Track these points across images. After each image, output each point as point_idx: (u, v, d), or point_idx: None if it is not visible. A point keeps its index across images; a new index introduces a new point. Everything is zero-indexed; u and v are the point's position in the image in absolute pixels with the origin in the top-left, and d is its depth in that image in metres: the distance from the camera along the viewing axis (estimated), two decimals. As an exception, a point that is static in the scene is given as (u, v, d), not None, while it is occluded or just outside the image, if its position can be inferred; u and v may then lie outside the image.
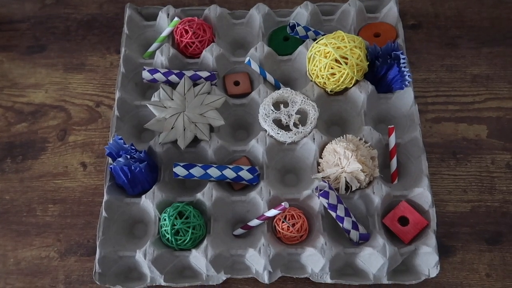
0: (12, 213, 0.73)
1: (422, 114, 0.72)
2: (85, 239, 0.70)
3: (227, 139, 0.71)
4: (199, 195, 0.65)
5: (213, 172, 0.66)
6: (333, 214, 0.61)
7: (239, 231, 0.66)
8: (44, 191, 0.74)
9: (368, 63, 0.68)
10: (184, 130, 0.67)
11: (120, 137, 0.64)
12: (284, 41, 0.77)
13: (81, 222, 0.72)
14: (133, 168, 0.62)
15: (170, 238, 0.61)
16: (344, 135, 0.67)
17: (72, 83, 0.83)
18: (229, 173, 0.66)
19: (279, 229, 0.63)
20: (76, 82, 0.83)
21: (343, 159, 0.62)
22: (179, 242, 0.62)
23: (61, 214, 0.72)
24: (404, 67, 0.67)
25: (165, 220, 0.62)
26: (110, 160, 0.67)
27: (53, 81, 0.83)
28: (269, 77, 0.73)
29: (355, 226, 0.62)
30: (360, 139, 0.66)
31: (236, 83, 0.75)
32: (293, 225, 0.63)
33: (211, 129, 0.69)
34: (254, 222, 0.64)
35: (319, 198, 0.61)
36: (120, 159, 0.64)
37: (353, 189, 0.63)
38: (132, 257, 0.63)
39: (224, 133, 0.71)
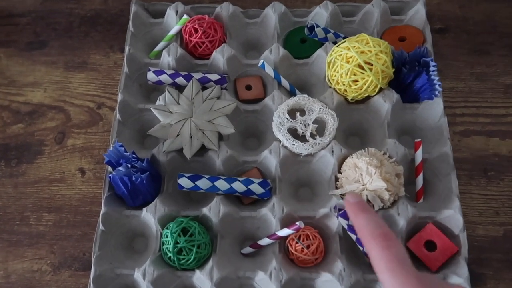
0: (3, 221, 0.68)
1: (449, 127, 0.66)
2: (80, 252, 0.65)
3: (237, 148, 0.65)
4: (205, 210, 0.59)
5: (221, 184, 0.60)
6: (353, 236, 0.56)
7: (248, 249, 0.60)
8: (38, 198, 0.69)
9: (394, 69, 0.62)
10: (191, 137, 0.61)
11: (120, 144, 0.59)
12: (301, 43, 0.71)
13: (77, 234, 0.66)
14: (133, 178, 0.57)
15: (172, 257, 0.56)
16: (366, 149, 0.61)
17: (73, 83, 0.77)
18: (238, 186, 0.60)
19: (292, 251, 0.57)
20: (77, 81, 0.77)
21: (365, 176, 0.57)
22: (182, 261, 0.56)
23: (56, 224, 0.67)
24: (434, 75, 0.61)
25: (167, 237, 0.56)
26: (109, 168, 0.62)
27: (53, 80, 0.78)
28: (284, 82, 0.67)
29: (376, 250, 0.56)
30: (384, 153, 0.60)
31: (248, 88, 0.69)
32: (308, 246, 0.57)
33: (220, 137, 0.63)
34: (265, 241, 0.58)
35: (337, 218, 0.55)
36: (120, 168, 0.59)
37: (376, 209, 0.57)
38: (130, 275, 0.58)
39: (234, 141, 0.66)
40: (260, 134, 0.68)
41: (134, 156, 0.59)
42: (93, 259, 0.58)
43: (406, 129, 0.67)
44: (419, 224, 0.59)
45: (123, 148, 0.59)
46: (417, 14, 0.71)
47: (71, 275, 0.64)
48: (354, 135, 0.68)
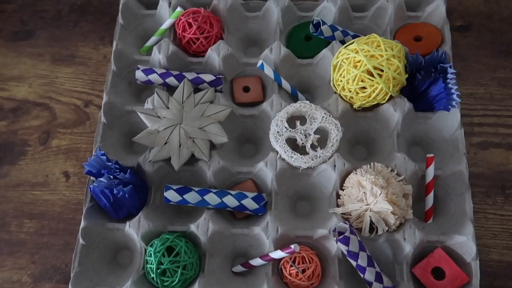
0: (-17, 226, 0.64)
1: (466, 137, 0.59)
2: (62, 263, 0.61)
3: (230, 157, 0.60)
4: (193, 227, 0.54)
5: (212, 199, 0.55)
6: (353, 263, 0.50)
7: (239, 268, 0.56)
8: (20, 203, 0.65)
9: (407, 75, 0.56)
10: (180, 146, 0.56)
11: (102, 152, 0.54)
12: (306, 40, 0.65)
13: (60, 243, 0.62)
14: (115, 192, 0.52)
15: (155, 278, 0.52)
16: (372, 164, 0.55)
17: (60, 77, 0.72)
18: (230, 201, 0.55)
19: (286, 274, 0.53)
20: (64, 76, 0.72)
21: (369, 196, 0.51)
22: (166, 283, 0.52)
23: (37, 232, 0.63)
24: (452, 83, 0.54)
25: (150, 256, 0.52)
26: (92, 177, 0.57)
27: (39, 74, 0.73)
28: (285, 84, 0.61)
29: (378, 278, 0.51)
30: (392, 170, 0.55)
31: (246, 89, 0.63)
32: (304, 271, 0.52)
33: (212, 146, 0.58)
34: (257, 262, 0.54)
35: (337, 243, 0.50)
36: (102, 179, 0.54)
37: (379, 232, 0.52)
38: (111, 294, 0.54)
39: (228, 149, 0.60)
40: (257, 140, 0.63)
41: (117, 166, 0.54)
42: (71, 275, 0.54)
43: (417, 140, 0.61)
44: (427, 248, 0.54)
45: (105, 157, 0.54)
46: (436, 11, 0.63)
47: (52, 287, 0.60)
48: (359, 144, 0.62)
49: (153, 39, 0.66)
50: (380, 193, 0.50)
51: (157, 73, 0.61)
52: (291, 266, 0.52)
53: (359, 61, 0.54)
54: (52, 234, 0.63)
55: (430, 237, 0.53)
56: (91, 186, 0.54)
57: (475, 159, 0.62)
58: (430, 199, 0.56)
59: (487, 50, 0.68)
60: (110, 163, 0.54)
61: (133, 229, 0.54)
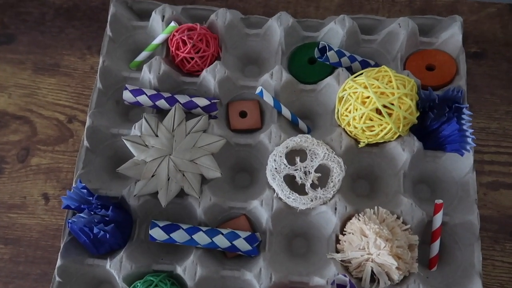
0: (-46, 250, 0.59)
1: (476, 176, 0.56)
2: (39, 295, 0.57)
3: (224, 187, 0.56)
4: (179, 270, 0.50)
5: (201, 238, 0.51)
6: (352, 319, 0.47)
7: (228, 311, 0.52)
8: (-6, 227, 0.60)
9: (418, 114, 0.51)
10: (168, 180, 0.52)
11: (83, 185, 0.49)
12: (309, 63, 0.60)
13: (36, 272, 0.58)
14: (95, 231, 0.48)
15: (136, 325, 0.48)
16: (376, 208, 0.51)
17: (42, 89, 0.67)
18: (221, 241, 0.51)
19: (279, 325, 0.49)
20: (47, 87, 0.67)
21: (371, 246, 0.47)
22: (148, 331, 0.48)
23: (12, 259, 0.59)
24: (468, 126, 0.50)
25: (132, 300, 0.48)
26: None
27: (19, 84, 0.67)
28: (285, 112, 0.57)
29: (377, 334, 0.47)
30: (398, 217, 0.50)
31: (243, 114, 0.58)
32: (297, 322, 0.48)
33: (204, 178, 0.53)
34: (248, 308, 0.50)
35: (335, 298, 0.46)
36: (81, 214, 0.49)
37: (381, 286, 0.48)
38: (89, 337, 0.50)
39: (221, 178, 0.55)
40: (252, 170, 0.58)
41: (98, 202, 0.49)
42: (46, 316, 0.50)
43: (424, 178, 0.57)
44: (431, 300, 0.50)
45: (86, 190, 0.49)
46: (451, 39, 0.59)
47: (27, 321, 0.56)
48: (362, 178, 0.58)
49: (143, 54, 0.61)
50: (384, 246, 0.46)
51: (146, 95, 0.56)
52: (284, 316, 0.48)
53: (367, 98, 0.49)
54: (29, 262, 0.58)
55: (435, 289, 0.50)
56: (69, 221, 0.50)
57: (484, 200, 0.58)
58: (435, 246, 0.52)
59: (503, 81, 0.64)
60: (91, 198, 0.49)
61: (114, 271, 0.50)
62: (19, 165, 0.63)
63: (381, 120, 0.49)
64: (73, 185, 0.52)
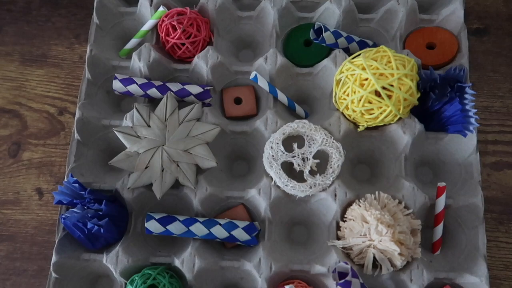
0: (-51, 248, 0.58)
1: (479, 157, 0.54)
2: (37, 291, 0.56)
3: (220, 176, 0.54)
4: (177, 263, 0.49)
5: (198, 229, 0.50)
6: (354, 307, 0.46)
7: (229, 301, 0.51)
8: (-11, 224, 0.59)
9: (419, 95, 0.49)
10: (163, 171, 0.50)
11: (75, 179, 0.48)
12: (305, 46, 0.58)
13: (33, 268, 0.57)
14: (89, 226, 0.46)
15: (135, 320, 0.47)
16: (377, 194, 0.49)
17: (30, 81, 0.65)
18: (219, 231, 0.50)
19: (280, 314, 0.48)
20: (36, 79, 0.65)
21: (373, 233, 0.46)
22: (147, 325, 0.47)
23: (9, 256, 0.58)
24: (471, 106, 0.48)
25: (130, 294, 0.47)
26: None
27: (7, 76, 0.65)
28: (281, 97, 0.55)
29: (381, 321, 0.46)
30: (399, 202, 0.49)
31: (238, 101, 0.57)
32: (299, 311, 0.47)
33: (199, 169, 0.52)
34: (248, 299, 0.49)
35: (337, 286, 0.45)
36: (74, 210, 0.48)
37: (383, 272, 0.47)
38: (88, 333, 0.49)
39: (217, 167, 0.54)
40: (249, 158, 0.57)
41: (91, 196, 0.48)
42: (44, 313, 0.49)
43: (426, 161, 0.55)
44: (435, 284, 0.49)
45: (78, 184, 0.48)
46: (452, 15, 0.56)
47: (26, 318, 0.55)
48: (362, 163, 0.56)
49: (133, 41, 0.59)
50: (386, 232, 0.45)
51: (137, 84, 0.54)
52: (286, 306, 0.47)
53: (366, 80, 0.47)
54: (25, 258, 0.58)
55: (438, 274, 0.48)
56: (62, 216, 0.48)
57: (487, 181, 0.57)
58: (439, 230, 0.51)
59: (506, 58, 0.62)
60: (84, 192, 0.47)
61: (111, 265, 0.49)
62: (10, 160, 0.61)
63: (381, 102, 0.47)
64: (65, 179, 0.51)
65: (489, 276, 0.50)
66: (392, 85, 0.46)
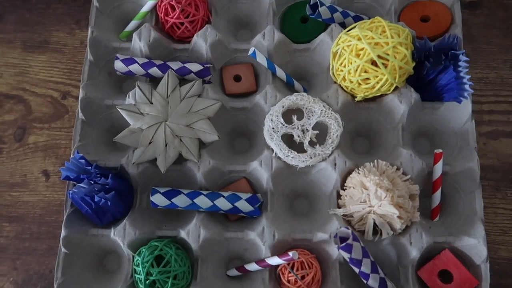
0: (-40, 231, 0.60)
1: (475, 127, 0.55)
2: (46, 269, 0.58)
3: (222, 152, 0.55)
4: (183, 234, 0.51)
5: (202, 202, 0.51)
6: (356, 269, 0.47)
7: (234, 272, 0.52)
8: (-3, 206, 0.60)
9: (414, 64, 0.50)
10: (166, 146, 0.51)
11: (81, 155, 0.49)
12: (302, 23, 0.59)
13: (42, 248, 0.59)
14: (96, 199, 0.48)
15: (144, 289, 0.48)
16: (376, 161, 0.51)
17: (33, 66, 0.66)
18: (223, 203, 0.51)
19: (284, 281, 0.49)
20: (38, 65, 0.66)
21: (372, 198, 0.47)
22: (156, 294, 0.48)
23: (18, 236, 0.59)
24: (465, 72, 0.49)
25: (138, 265, 0.48)
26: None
27: (10, 63, 0.66)
28: (280, 72, 0.56)
29: (382, 284, 0.48)
30: (397, 168, 0.50)
31: (237, 78, 0.58)
32: (303, 277, 0.49)
33: (201, 143, 0.53)
34: (253, 267, 0.50)
35: (339, 250, 0.46)
36: (81, 184, 0.49)
37: (384, 236, 0.48)
38: (99, 305, 0.51)
39: (219, 143, 0.55)
40: (250, 134, 0.58)
41: (97, 171, 0.49)
42: (55, 286, 0.51)
43: (423, 131, 0.56)
44: (434, 248, 0.50)
45: (84, 160, 0.49)
46: (445, -13, 0.57)
47: (37, 295, 0.57)
48: (361, 136, 0.57)
49: (133, 23, 0.60)
50: (385, 196, 0.46)
51: (138, 63, 0.55)
52: (290, 272, 0.49)
53: (362, 50, 0.48)
54: (34, 238, 0.59)
55: (437, 238, 0.50)
56: (70, 192, 0.50)
57: (484, 150, 0.58)
58: (437, 196, 0.52)
59: (499, 30, 0.63)
60: (90, 167, 0.49)
61: (118, 238, 0.50)
62: (16, 144, 0.63)
63: (377, 71, 0.48)
64: (71, 156, 0.52)
65: (487, 241, 0.52)
66: (387, 54, 0.47)
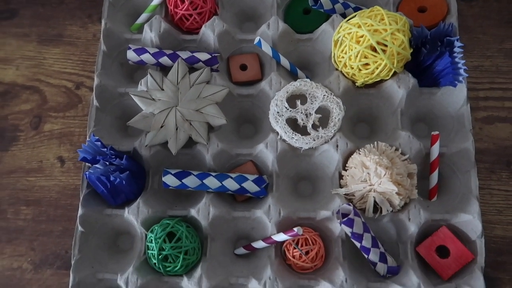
0: (-21, 214, 0.63)
1: (471, 112, 0.58)
2: (62, 249, 0.61)
3: (229, 137, 0.58)
4: (193, 212, 0.53)
5: (211, 182, 0.54)
6: (358, 244, 0.50)
7: (241, 250, 0.55)
8: (15, 190, 0.63)
9: (411, 50, 0.53)
10: (177, 129, 0.54)
11: (97, 138, 0.52)
12: (305, 14, 0.62)
13: (58, 229, 0.61)
14: (112, 179, 0.51)
15: (157, 264, 0.51)
16: (376, 143, 0.53)
17: (48, 59, 0.69)
18: (230, 184, 0.54)
19: (290, 256, 0.52)
20: (53, 57, 0.69)
21: (373, 176, 0.50)
22: (168, 268, 0.51)
23: (35, 219, 0.62)
24: (459, 57, 0.52)
25: (151, 242, 0.51)
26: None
27: (26, 56, 0.70)
28: (284, 61, 0.59)
29: (383, 258, 0.50)
30: (396, 149, 0.53)
31: (243, 67, 0.61)
32: (307, 252, 0.51)
33: (210, 128, 0.56)
34: (259, 244, 0.53)
35: (341, 225, 0.49)
36: (97, 165, 0.52)
37: (384, 213, 0.51)
38: (113, 280, 0.53)
39: (227, 129, 0.58)
40: (256, 121, 0.61)
41: (112, 152, 0.52)
42: (72, 262, 0.53)
43: (421, 116, 0.59)
44: (431, 226, 0.53)
45: (99, 142, 0.52)
46: (441, -21, 0.60)
47: (53, 274, 0.60)
48: (362, 121, 0.60)
49: (143, 16, 0.63)
50: (385, 174, 0.49)
51: (149, 53, 0.58)
52: (294, 248, 0.52)
53: (361, 36, 0.51)
54: (50, 220, 0.62)
55: (435, 216, 0.52)
56: (86, 173, 0.53)
57: (480, 134, 0.61)
58: (434, 177, 0.55)
59: (494, 20, 0.65)
60: (105, 149, 0.52)
61: (132, 216, 0.53)
62: (33, 132, 0.66)
63: (376, 57, 0.51)
64: (87, 139, 0.55)
65: (484, 221, 0.54)
66: (386, 40, 0.50)
